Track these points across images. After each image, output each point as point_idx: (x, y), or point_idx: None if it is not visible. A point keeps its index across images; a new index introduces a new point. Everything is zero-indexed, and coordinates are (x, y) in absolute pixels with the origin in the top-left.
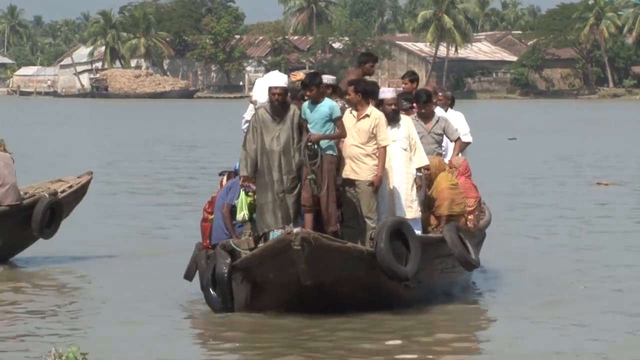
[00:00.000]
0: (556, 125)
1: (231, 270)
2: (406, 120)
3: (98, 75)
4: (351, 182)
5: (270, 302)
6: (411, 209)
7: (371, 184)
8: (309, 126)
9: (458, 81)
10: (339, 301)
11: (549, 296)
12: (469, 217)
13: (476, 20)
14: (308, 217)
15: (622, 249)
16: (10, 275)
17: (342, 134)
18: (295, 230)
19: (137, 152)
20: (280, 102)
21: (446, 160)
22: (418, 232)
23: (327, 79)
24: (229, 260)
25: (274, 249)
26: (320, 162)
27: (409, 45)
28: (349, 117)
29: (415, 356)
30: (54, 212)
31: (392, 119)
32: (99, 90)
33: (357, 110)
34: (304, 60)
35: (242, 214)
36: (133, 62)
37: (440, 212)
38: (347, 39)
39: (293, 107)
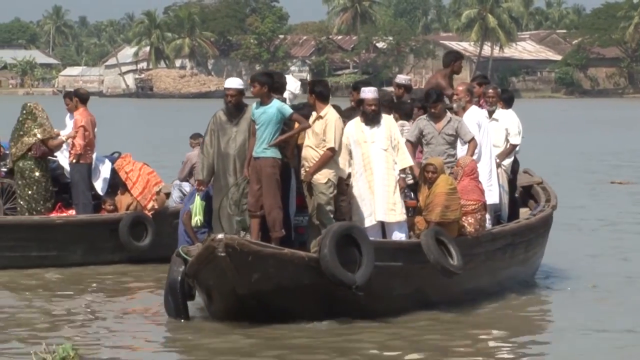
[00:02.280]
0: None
1: (183, 278)
2: (388, 121)
3: (143, 75)
4: (308, 185)
5: (219, 311)
6: (394, 212)
7: (303, 178)
8: (256, 127)
9: (502, 80)
10: (286, 311)
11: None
12: (469, 220)
13: (520, 19)
14: (254, 223)
15: None
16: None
17: (304, 127)
18: (219, 236)
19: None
20: (234, 104)
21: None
22: (402, 235)
23: (401, 79)
24: (182, 268)
25: (203, 257)
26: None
27: (453, 44)
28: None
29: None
30: None
31: (372, 120)
32: (144, 90)
33: (316, 111)
34: (348, 60)
35: (196, 219)
36: (178, 62)
37: (430, 217)
38: (391, 38)
39: (250, 109)
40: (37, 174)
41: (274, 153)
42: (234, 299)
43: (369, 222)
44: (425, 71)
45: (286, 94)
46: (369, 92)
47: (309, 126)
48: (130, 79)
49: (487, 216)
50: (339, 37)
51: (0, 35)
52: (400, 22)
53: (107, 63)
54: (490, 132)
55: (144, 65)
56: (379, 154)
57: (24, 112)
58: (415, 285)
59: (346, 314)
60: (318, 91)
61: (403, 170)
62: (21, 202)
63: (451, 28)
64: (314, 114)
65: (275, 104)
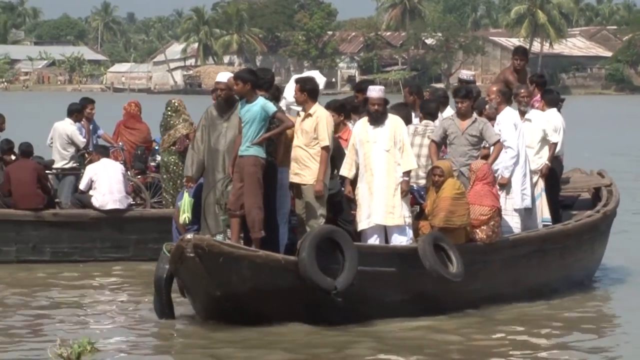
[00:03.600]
0: None
1: (169, 276)
2: (393, 121)
3: (191, 72)
4: (296, 187)
5: (200, 310)
6: (392, 215)
7: (316, 190)
8: (242, 125)
9: (552, 77)
10: (265, 315)
11: None
12: (482, 227)
13: (570, 15)
14: (234, 222)
15: None
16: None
17: (287, 125)
18: (188, 236)
19: None
20: (224, 99)
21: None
22: (403, 239)
23: (465, 75)
24: (167, 266)
25: (175, 257)
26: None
27: (503, 40)
28: (297, 119)
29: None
30: None
31: (376, 120)
32: (192, 87)
33: (304, 110)
34: (397, 56)
35: (184, 216)
36: (226, 59)
37: (434, 222)
38: (440, 34)
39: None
40: (181, 168)
41: (256, 152)
42: (210, 300)
43: (366, 224)
44: (474, 67)
45: None
46: (373, 91)
47: (292, 125)
48: (178, 76)
49: (517, 220)
50: (388, 33)
51: (49, 31)
52: (450, 18)
53: (155, 60)
54: (524, 133)
55: (192, 61)
56: (380, 155)
57: (169, 108)
58: (414, 292)
59: (332, 320)
60: (309, 89)
61: (408, 174)
62: (166, 196)
63: (501, 24)
64: (302, 113)
65: (259, 101)
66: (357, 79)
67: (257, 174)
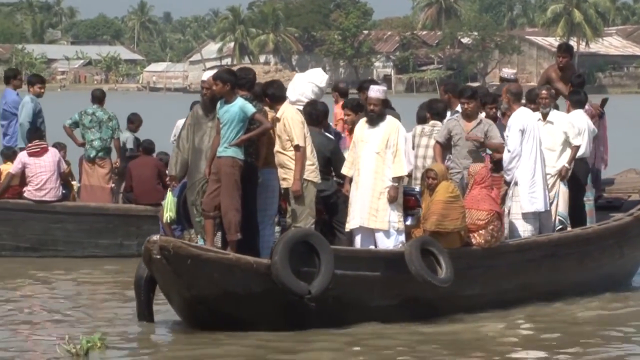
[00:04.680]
0: None
1: (149, 276)
2: (390, 124)
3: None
4: (285, 190)
5: (177, 312)
6: (375, 218)
7: (292, 190)
8: (220, 126)
9: (589, 76)
10: (239, 319)
11: None
12: (480, 231)
13: (607, 14)
14: (207, 224)
15: None
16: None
17: (266, 127)
18: (154, 237)
19: None
20: (209, 98)
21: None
22: (389, 244)
23: (506, 73)
24: None
25: (145, 258)
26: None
27: (539, 39)
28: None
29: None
30: None
31: (371, 120)
32: None
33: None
34: (432, 56)
35: (166, 215)
36: (262, 58)
37: (425, 226)
38: (476, 33)
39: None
40: None
41: (234, 153)
42: (182, 303)
43: (351, 225)
44: (511, 67)
45: (311, 88)
46: (372, 91)
47: (270, 127)
48: None
49: (530, 223)
50: (424, 32)
51: (85, 31)
52: (486, 17)
53: (191, 59)
54: (544, 136)
55: (228, 61)
56: (369, 156)
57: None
58: (403, 297)
59: (310, 325)
60: (270, 93)
61: (398, 179)
62: None
63: (537, 23)
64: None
65: (237, 102)
66: (393, 79)
67: (234, 176)
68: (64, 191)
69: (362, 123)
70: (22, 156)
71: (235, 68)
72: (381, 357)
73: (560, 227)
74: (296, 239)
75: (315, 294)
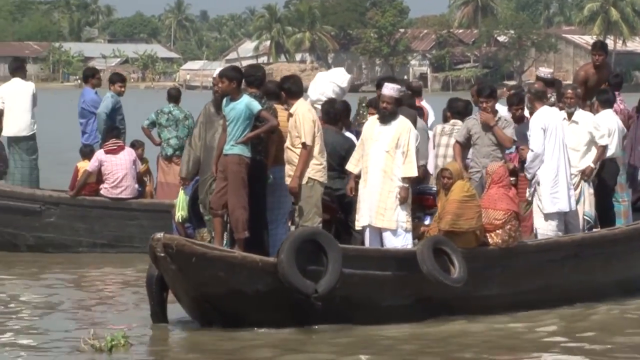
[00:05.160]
0: None
1: (160, 275)
2: (402, 123)
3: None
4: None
5: (186, 310)
6: (382, 217)
7: (289, 187)
8: (227, 124)
9: (626, 75)
10: (246, 318)
11: None
12: (497, 231)
13: None
14: (216, 222)
15: None
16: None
17: (272, 125)
18: (158, 235)
19: None
20: (221, 95)
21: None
22: (397, 244)
23: (543, 72)
24: None
25: (151, 256)
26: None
27: (575, 38)
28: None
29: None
30: None
31: (382, 118)
32: None
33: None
34: (469, 54)
35: (178, 214)
36: (298, 56)
37: (440, 225)
38: (512, 32)
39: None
40: None
41: (241, 150)
42: (190, 301)
43: (360, 223)
44: (547, 65)
45: (332, 87)
46: (385, 89)
47: (276, 124)
48: None
49: (553, 223)
50: (460, 30)
51: (122, 29)
52: (522, 16)
53: (227, 57)
54: (569, 135)
55: (264, 59)
56: (378, 155)
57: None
58: (416, 297)
59: (318, 325)
60: (286, 87)
61: (407, 180)
62: None
63: (573, 21)
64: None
65: (244, 99)
66: (429, 77)
67: (241, 173)
68: (139, 189)
69: (373, 121)
70: (99, 154)
71: (270, 67)
72: (402, 357)
73: (589, 226)
74: (303, 237)
75: (322, 293)
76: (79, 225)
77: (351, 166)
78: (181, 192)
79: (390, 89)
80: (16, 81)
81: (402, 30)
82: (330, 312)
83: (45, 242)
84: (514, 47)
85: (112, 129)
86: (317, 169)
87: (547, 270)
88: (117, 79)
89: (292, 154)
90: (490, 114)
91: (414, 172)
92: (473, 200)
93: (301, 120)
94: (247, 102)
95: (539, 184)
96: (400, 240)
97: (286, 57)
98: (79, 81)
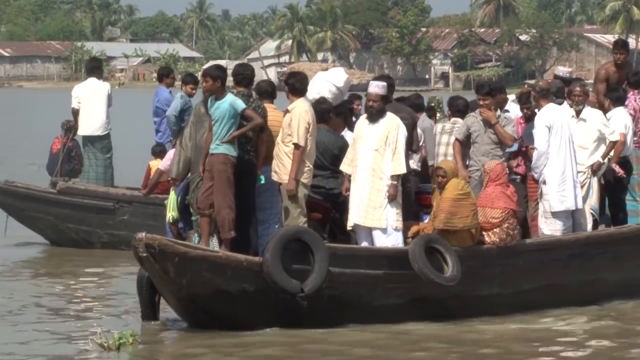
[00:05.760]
0: None
1: (148, 276)
2: (390, 121)
3: (285, 68)
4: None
5: (174, 310)
6: (372, 217)
7: (287, 189)
8: (212, 123)
9: None
10: (234, 318)
11: None
12: (494, 230)
13: None
14: (203, 222)
15: None
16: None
17: (256, 123)
18: (140, 235)
19: None
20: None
21: None
22: (387, 243)
23: (561, 71)
24: None
25: (135, 256)
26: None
27: (597, 37)
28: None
29: None
30: None
31: (370, 116)
32: None
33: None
34: (490, 53)
35: (169, 215)
36: (319, 56)
37: (434, 224)
38: (534, 31)
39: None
40: None
41: (226, 150)
42: (176, 301)
43: (349, 223)
44: (569, 64)
45: (328, 87)
46: (371, 87)
47: (261, 123)
48: (272, 73)
49: (559, 222)
50: (482, 29)
51: (144, 29)
52: (544, 15)
53: (249, 57)
54: (576, 133)
55: (286, 58)
56: (367, 153)
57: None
58: (410, 296)
59: (308, 325)
60: (290, 83)
61: (397, 178)
62: None
63: (595, 20)
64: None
65: (228, 98)
66: (451, 76)
67: (226, 173)
68: None
69: (363, 119)
70: (171, 153)
71: (291, 66)
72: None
73: (593, 219)
74: (288, 236)
75: (308, 292)
76: (151, 223)
77: (345, 166)
78: (172, 193)
79: (375, 87)
80: (92, 81)
81: (423, 29)
82: (319, 311)
83: (119, 239)
84: (536, 46)
85: (182, 128)
86: (303, 170)
87: (551, 270)
88: (190, 80)
89: (277, 149)
90: (492, 111)
91: (402, 169)
92: (468, 199)
93: (297, 120)
94: (230, 101)
95: (545, 182)
96: (391, 240)
97: (308, 56)
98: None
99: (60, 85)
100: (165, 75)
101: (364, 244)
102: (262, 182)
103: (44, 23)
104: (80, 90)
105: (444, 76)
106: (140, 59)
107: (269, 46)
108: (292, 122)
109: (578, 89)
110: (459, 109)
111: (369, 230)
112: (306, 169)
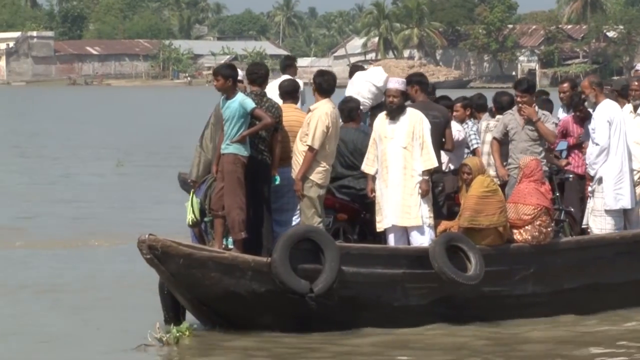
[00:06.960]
0: None
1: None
2: (413, 116)
3: (372, 66)
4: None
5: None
6: (409, 216)
7: (294, 188)
8: (223, 123)
9: None
10: (246, 319)
11: None
12: (526, 227)
13: None
14: (216, 223)
15: None
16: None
17: (266, 123)
18: (143, 236)
19: None
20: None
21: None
22: (424, 240)
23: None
24: None
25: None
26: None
27: None
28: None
29: None
30: None
31: (391, 113)
32: None
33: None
34: (578, 50)
35: (189, 217)
36: (406, 53)
37: (459, 222)
38: (621, 27)
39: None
40: None
41: (236, 149)
42: (187, 303)
43: (384, 224)
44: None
45: (368, 87)
46: (390, 82)
47: (270, 123)
48: None
49: (612, 220)
50: (569, 26)
51: (232, 26)
52: (632, 11)
53: (335, 54)
54: (634, 129)
55: (372, 56)
56: (396, 152)
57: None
58: (434, 296)
59: (321, 326)
60: (317, 82)
61: (427, 172)
62: None
63: None
64: (311, 107)
65: (238, 98)
66: (538, 73)
67: (236, 173)
68: None
69: (382, 118)
70: None
71: (378, 63)
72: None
73: None
74: (297, 236)
75: (318, 293)
76: None
77: (367, 167)
78: (192, 195)
79: (394, 82)
80: (285, 78)
81: (510, 26)
82: (333, 312)
83: None
84: (624, 43)
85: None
86: (317, 171)
87: (593, 269)
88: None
89: (298, 146)
90: (532, 108)
91: (433, 163)
92: (494, 196)
93: (315, 122)
94: (240, 100)
95: (601, 180)
96: (427, 237)
97: (394, 53)
98: (189, 78)
99: (148, 84)
100: (289, 65)
101: (399, 244)
102: (277, 182)
103: (132, 21)
104: (272, 88)
105: (531, 73)
106: (228, 57)
107: (356, 43)
108: (311, 122)
109: (636, 83)
110: (502, 106)
111: (404, 230)
112: (321, 169)
